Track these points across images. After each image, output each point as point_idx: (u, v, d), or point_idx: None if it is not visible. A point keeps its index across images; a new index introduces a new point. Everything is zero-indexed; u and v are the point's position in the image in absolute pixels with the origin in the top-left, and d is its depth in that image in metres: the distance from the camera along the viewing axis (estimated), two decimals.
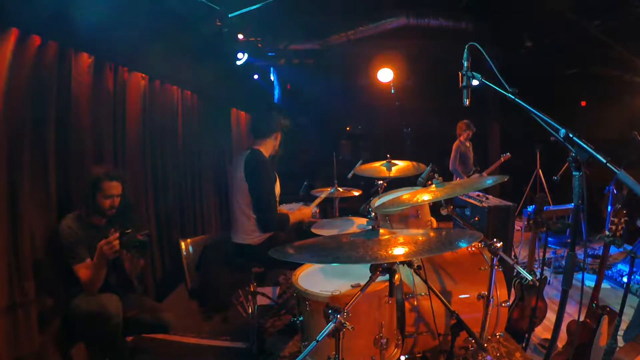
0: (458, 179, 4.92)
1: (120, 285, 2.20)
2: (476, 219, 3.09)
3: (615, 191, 4.63)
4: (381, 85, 4.90)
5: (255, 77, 4.97)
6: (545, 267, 3.68)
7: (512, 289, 2.52)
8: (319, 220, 2.91)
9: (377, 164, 3.16)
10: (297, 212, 2.62)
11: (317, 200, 2.94)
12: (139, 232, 1.98)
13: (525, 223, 5.33)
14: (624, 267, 3.83)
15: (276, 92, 5.81)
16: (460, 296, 1.96)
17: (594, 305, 2.02)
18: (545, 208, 2.91)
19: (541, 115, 1.14)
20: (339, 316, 1.20)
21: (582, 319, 2.02)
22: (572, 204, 1.11)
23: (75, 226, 2.03)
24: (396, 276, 1.46)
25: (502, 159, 4.72)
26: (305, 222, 2.73)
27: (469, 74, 1.41)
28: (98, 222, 2.12)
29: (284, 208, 2.99)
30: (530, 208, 3.39)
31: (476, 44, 1.40)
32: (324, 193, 3.05)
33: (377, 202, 2.54)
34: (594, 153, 1.00)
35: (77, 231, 2.02)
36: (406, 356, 1.87)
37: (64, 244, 1.99)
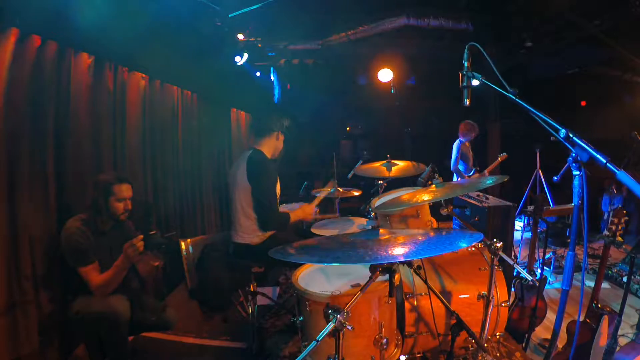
0: (458, 179, 4.92)
1: (132, 286, 2.20)
2: (476, 219, 3.09)
3: (615, 191, 4.63)
4: (381, 85, 4.90)
5: (258, 74, 4.97)
6: (545, 267, 3.68)
7: (512, 289, 2.52)
8: (320, 215, 2.88)
9: (377, 164, 3.15)
10: (298, 210, 2.60)
11: (320, 197, 2.84)
12: (164, 233, 1.97)
13: (525, 223, 5.35)
14: (624, 267, 3.82)
15: (276, 92, 5.82)
16: (460, 296, 1.96)
17: (594, 305, 2.02)
18: (544, 208, 2.91)
19: (541, 115, 1.14)
20: (338, 316, 1.20)
21: (582, 319, 2.02)
22: (573, 204, 1.10)
23: (87, 229, 2.01)
24: (396, 276, 1.46)
25: (500, 159, 4.72)
26: (307, 221, 2.70)
27: (469, 74, 1.41)
28: (107, 226, 2.11)
29: (284, 208, 2.99)
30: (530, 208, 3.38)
31: (476, 44, 1.40)
32: (322, 192, 3.01)
33: (377, 202, 2.54)
34: (594, 153, 1.00)
35: (89, 235, 2.00)
36: (406, 356, 1.88)
37: (73, 247, 1.96)
